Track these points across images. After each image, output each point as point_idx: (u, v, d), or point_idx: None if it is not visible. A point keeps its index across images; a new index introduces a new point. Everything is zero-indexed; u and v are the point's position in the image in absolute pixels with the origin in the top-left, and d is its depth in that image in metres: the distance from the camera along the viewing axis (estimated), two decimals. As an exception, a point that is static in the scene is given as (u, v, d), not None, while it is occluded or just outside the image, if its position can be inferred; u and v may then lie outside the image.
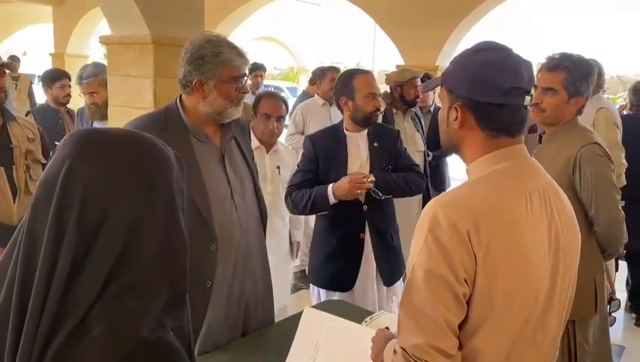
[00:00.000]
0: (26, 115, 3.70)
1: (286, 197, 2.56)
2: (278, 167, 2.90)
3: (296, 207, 2.50)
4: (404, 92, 3.82)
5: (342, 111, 2.55)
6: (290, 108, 4.29)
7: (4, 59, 2.37)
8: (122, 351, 0.76)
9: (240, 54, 1.83)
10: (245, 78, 1.86)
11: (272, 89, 8.14)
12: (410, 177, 2.54)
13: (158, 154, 0.86)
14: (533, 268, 1.11)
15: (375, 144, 2.53)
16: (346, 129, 2.55)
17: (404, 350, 1.08)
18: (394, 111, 3.87)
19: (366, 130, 2.53)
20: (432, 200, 1.13)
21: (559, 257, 1.16)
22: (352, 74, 2.54)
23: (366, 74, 2.55)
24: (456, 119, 1.19)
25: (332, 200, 2.38)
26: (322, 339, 1.66)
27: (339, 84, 2.55)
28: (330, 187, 2.38)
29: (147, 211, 0.81)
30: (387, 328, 1.44)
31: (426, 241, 1.08)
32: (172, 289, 0.82)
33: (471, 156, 1.21)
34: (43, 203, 0.79)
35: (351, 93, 2.47)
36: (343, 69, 4.97)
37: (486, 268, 1.06)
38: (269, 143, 2.89)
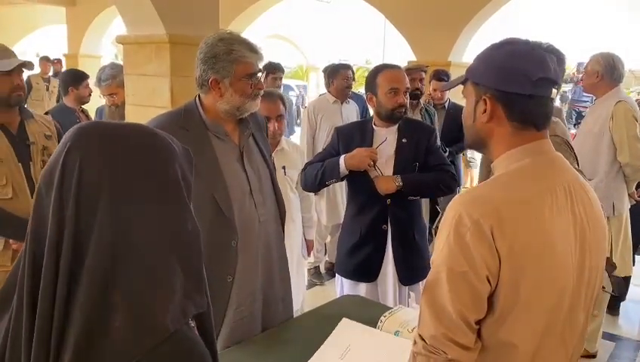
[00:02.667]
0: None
1: (300, 173, 2.65)
2: (284, 167, 2.84)
3: (307, 179, 2.55)
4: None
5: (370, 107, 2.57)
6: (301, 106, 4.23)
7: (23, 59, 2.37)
8: (146, 342, 0.75)
9: (253, 50, 1.83)
10: (260, 74, 1.88)
11: (283, 88, 8.08)
12: (440, 177, 2.49)
13: (158, 143, 0.86)
14: (558, 262, 1.11)
15: (404, 140, 2.50)
16: (374, 124, 2.55)
17: (423, 340, 1.11)
18: None
19: (396, 126, 2.52)
20: (456, 198, 1.14)
21: (585, 254, 1.16)
22: (378, 70, 2.52)
23: (391, 69, 2.50)
24: (484, 112, 1.17)
25: (343, 168, 2.42)
26: (355, 343, 1.67)
27: (367, 80, 2.56)
28: (342, 156, 2.43)
29: (146, 196, 0.81)
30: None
31: (448, 238, 1.09)
32: (189, 275, 0.82)
33: (497, 151, 1.20)
34: (46, 187, 0.80)
35: (374, 89, 2.47)
36: (352, 67, 4.97)
37: (511, 262, 1.07)
38: (272, 143, 2.82)
